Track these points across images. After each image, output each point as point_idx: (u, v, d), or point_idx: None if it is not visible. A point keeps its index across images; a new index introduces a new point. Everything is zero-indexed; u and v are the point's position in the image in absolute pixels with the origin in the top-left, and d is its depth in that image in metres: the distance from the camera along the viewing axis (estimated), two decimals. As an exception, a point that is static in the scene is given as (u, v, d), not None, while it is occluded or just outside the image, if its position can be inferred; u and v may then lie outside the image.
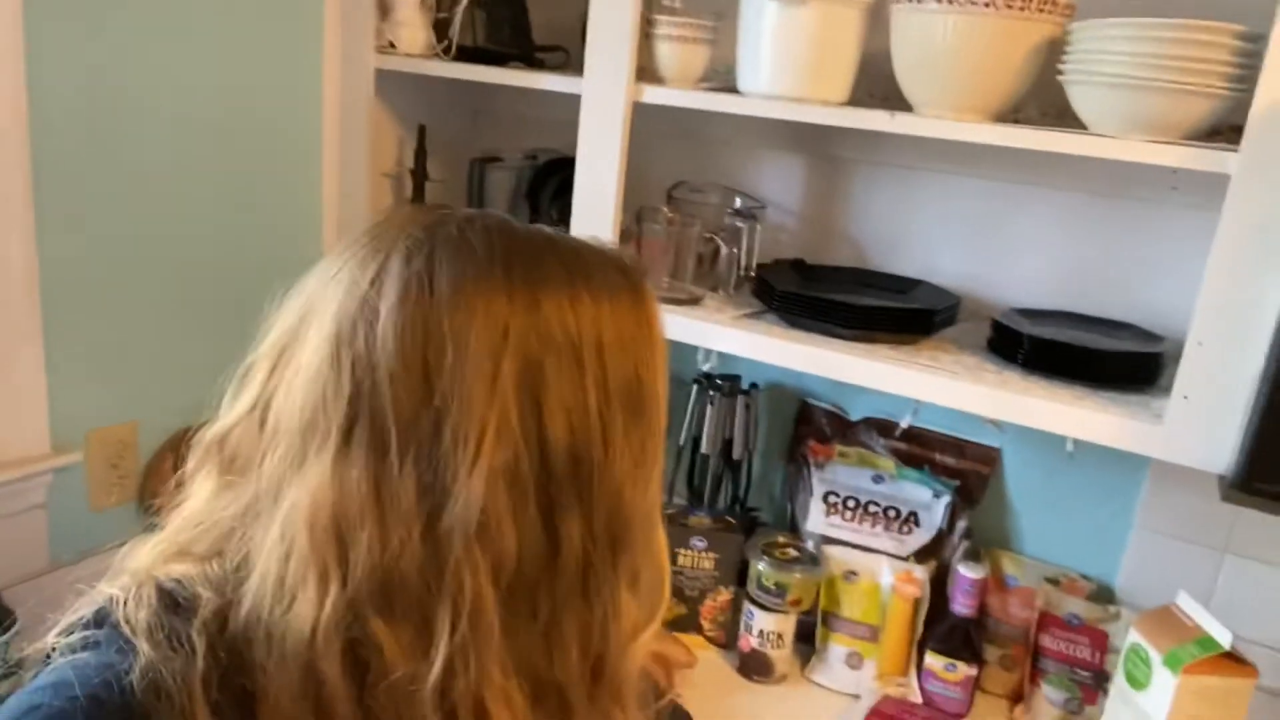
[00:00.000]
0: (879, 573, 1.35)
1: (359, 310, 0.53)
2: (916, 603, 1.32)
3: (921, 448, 1.44)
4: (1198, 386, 0.99)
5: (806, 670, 1.35)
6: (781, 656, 1.33)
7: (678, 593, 1.39)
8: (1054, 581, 1.33)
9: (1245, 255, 0.95)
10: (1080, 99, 1.06)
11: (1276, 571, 1.24)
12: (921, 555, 1.37)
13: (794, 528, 1.46)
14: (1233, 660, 1.01)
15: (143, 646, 0.52)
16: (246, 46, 1.43)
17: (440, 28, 1.50)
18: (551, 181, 1.55)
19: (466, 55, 1.49)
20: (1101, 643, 1.26)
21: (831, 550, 1.38)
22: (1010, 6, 1.04)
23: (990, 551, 1.39)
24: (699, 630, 1.41)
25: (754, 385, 1.51)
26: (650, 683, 0.65)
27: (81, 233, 1.27)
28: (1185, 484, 1.22)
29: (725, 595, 1.39)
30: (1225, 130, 1.03)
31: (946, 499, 1.38)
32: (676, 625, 1.39)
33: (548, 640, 0.55)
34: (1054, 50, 1.08)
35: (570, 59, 1.54)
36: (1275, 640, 1.23)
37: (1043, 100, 1.16)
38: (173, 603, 0.55)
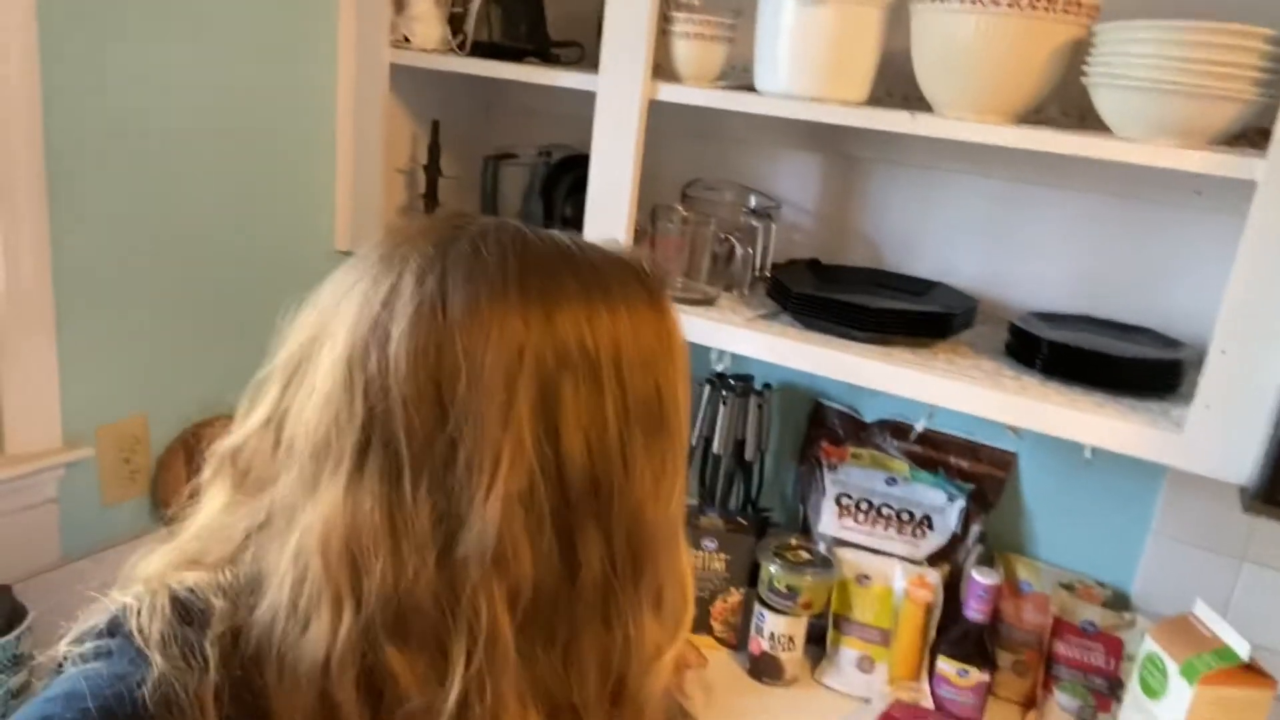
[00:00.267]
0: (891, 576, 1.34)
1: (371, 332, 0.52)
2: (929, 607, 1.31)
3: (936, 450, 1.43)
4: (1220, 395, 0.97)
5: (817, 673, 1.35)
6: (792, 659, 1.32)
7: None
8: (1069, 587, 1.32)
9: (1271, 263, 0.93)
10: (1104, 101, 1.05)
11: (1295, 580, 1.22)
12: (935, 559, 1.36)
13: (806, 530, 1.45)
14: (1252, 671, 1.00)
15: (155, 658, 0.52)
16: (261, 42, 1.43)
17: (455, 22, 1.50)
18: (566, 179, 1.54)
19: (481, 50, 1.48)
20: (1116, 650, 1.25)
21: (844, 553, 1.37)
22: (1034, 7, 1.02)
23: (1004, 556, 1.38)
24: (709, 632, 1.40)
25: (767, 385, 1.50)
26: (673, 701, 0.64)
27: (94, 228, 1.27)
28: (1203, 491, 1.21)
29: (736, 597, 1.39)
30: (1250, 133, 1.02)
31: (961, 503, 1.37)
32: (687, 626, 1.39)
33: (566, 665, 0.54)
34: (1077, 52, 1.06)
35: (586, 54, 1.52)
36: (1294, 650, 1.22)
37: (1064, 100, 1.15)
38: (186, 613, 0.54)
